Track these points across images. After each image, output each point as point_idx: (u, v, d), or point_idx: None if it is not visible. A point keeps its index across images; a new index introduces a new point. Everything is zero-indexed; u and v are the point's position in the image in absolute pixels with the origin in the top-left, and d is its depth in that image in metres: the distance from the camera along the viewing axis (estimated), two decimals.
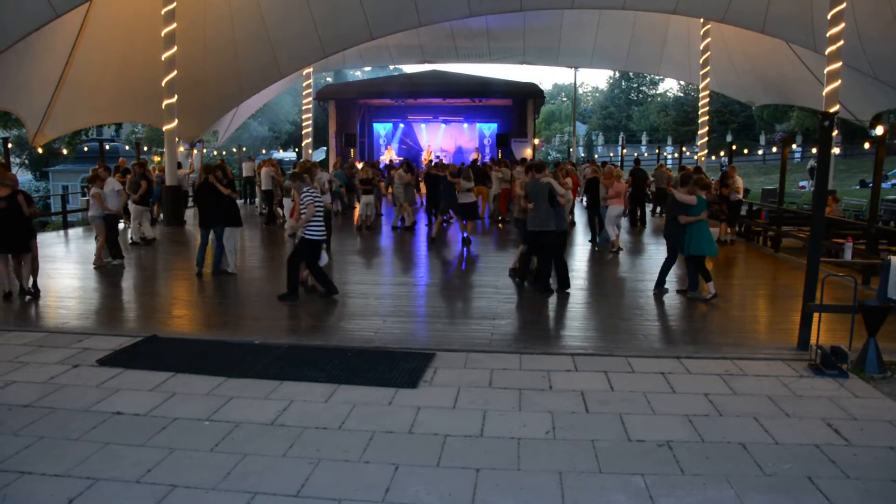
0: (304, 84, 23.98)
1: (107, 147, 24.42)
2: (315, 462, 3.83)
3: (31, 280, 8.17)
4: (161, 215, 15.93)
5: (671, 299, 8.14)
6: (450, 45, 24.46)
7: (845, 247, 9.18)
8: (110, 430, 4.27)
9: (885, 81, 16.62)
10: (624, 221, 11.97)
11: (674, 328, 7.05)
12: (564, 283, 8.38)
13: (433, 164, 16.48)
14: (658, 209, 18.12)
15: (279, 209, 15.40)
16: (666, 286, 8.40)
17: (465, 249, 11.82)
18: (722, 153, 32.42)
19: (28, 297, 8.01)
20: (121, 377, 5.23)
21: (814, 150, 29.37)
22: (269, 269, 10.30)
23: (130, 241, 12.31)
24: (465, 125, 29.06)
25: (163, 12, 14.95)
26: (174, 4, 15.03)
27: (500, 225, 15.48)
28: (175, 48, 15.25)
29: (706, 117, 21.21)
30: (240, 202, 16.44)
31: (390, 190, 16.40)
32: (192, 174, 19.17)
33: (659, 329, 6.96)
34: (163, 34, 15.06)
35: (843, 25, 13.35)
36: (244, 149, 30.11)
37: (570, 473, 3.71)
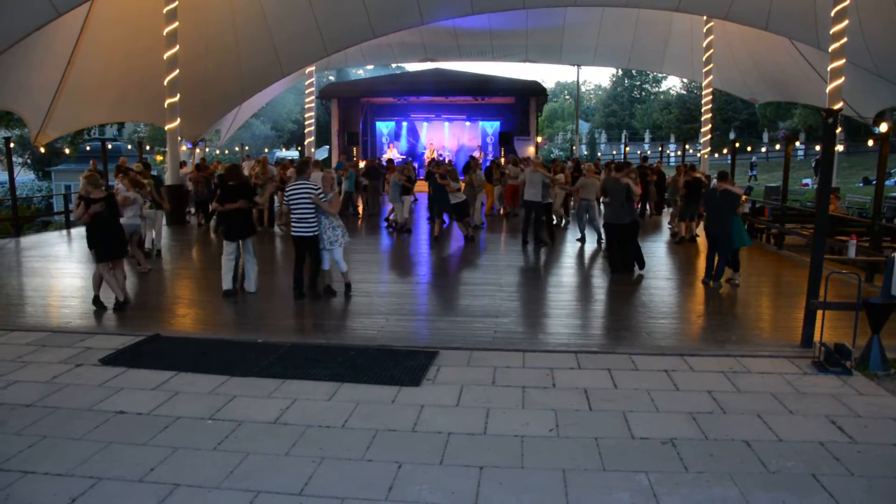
0: (307, 83, 23.99)
1: (109, 146, 24.44)
2: (318, 461, 3.83)
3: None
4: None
5: (675, 296, 8.13)
6: (452, 43, 24.42)
7: (849, 244, 9.15)
8: (113, 429, 4.26)
9: (888, 78, 16.56)
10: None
11: (677, 325, 7.03)
12: (640, 263, 9.50)
13: (432, 162, 16.55)
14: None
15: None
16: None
17: (468, 247, 11.82)
18: (725, 150, 32.35)
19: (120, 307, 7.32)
20: (123, 376, 5.23)
21: (817, 148, 29.28)
22: (268, 268, 10.30)
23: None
24: (468, 123, 28.99)
25: (165, 11, 14.96)
26: (176, 3, 15.03)
27: (504, 218, 15.78)
28: (177, 47, 15.25)
29: (709, 115, 21.16)
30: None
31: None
32: None
33: (662, 326, 6.93)
34: (165, 33, 15.07)
35: (846, 22, 13.30)
36: (246, 147, 30.11)
37: (573, 471, 3.70)
